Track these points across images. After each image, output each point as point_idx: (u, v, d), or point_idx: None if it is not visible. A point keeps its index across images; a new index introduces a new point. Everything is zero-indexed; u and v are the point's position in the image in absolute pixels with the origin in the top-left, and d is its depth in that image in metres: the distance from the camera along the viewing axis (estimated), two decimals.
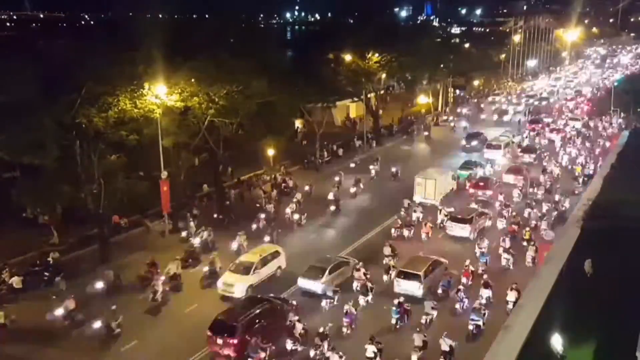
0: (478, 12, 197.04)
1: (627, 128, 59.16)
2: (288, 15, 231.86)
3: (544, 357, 18.31)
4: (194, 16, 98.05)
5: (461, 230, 31.32)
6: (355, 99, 59.97)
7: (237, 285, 25.43)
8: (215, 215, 34.89)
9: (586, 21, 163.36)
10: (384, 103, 63.92)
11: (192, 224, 32.50)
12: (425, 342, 20.07)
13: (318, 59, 51.42)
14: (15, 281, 25.60)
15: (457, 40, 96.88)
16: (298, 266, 27.11)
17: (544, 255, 27.49)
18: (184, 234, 32.49)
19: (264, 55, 38.72)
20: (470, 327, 21.65)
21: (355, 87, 54.79)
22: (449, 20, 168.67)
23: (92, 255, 29.72)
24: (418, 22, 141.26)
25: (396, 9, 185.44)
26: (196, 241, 30.69)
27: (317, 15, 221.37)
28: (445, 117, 69.54)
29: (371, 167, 44.77)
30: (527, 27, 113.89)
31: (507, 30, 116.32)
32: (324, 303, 24.28)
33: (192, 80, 32.44)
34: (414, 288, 24.60)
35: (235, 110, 35.08)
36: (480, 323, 21.75)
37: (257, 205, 36.87)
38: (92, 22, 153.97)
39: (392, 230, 32.08)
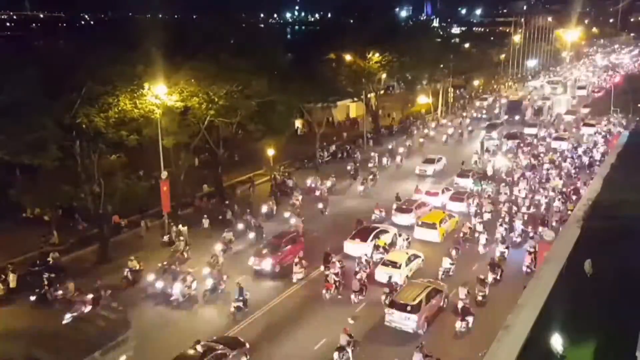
0: (478, 12, 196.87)
1: (627, 128, 59.12)
2: (288, 15, 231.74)
3: (544, 357, 18.28)
4: (194, 16, 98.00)
5: None
6: (355, 99, 59.97)
7: None
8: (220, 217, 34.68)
9: (586, 21, 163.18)
10: (384, 103, 63.81)
11: (174, 227, 31.49)
12: None
13: (318, 59, 51.35)
14: (10, 279, 25.46)
15: (457, 40, 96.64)
16: None
17: (544, 255, 27.49)
18: (165, 238, 31.49)
19: (263, 55, 38.76)
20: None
21: (355, 87, 54.77)
22: (449, 20, 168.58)
23: (93, 255, 29.76)
24: (418, 22, 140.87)
25: (396, 9, 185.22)
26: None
27: (317, 15, 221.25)
28: (444, 121, 68.39)
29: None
30: (527, 27, 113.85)
31: (507, 30, 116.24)
32: None
33: (192, 80, 32.46)
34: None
35: (235, 110, 35.12)
36: None
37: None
38: (92, 22, 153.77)
39: None
